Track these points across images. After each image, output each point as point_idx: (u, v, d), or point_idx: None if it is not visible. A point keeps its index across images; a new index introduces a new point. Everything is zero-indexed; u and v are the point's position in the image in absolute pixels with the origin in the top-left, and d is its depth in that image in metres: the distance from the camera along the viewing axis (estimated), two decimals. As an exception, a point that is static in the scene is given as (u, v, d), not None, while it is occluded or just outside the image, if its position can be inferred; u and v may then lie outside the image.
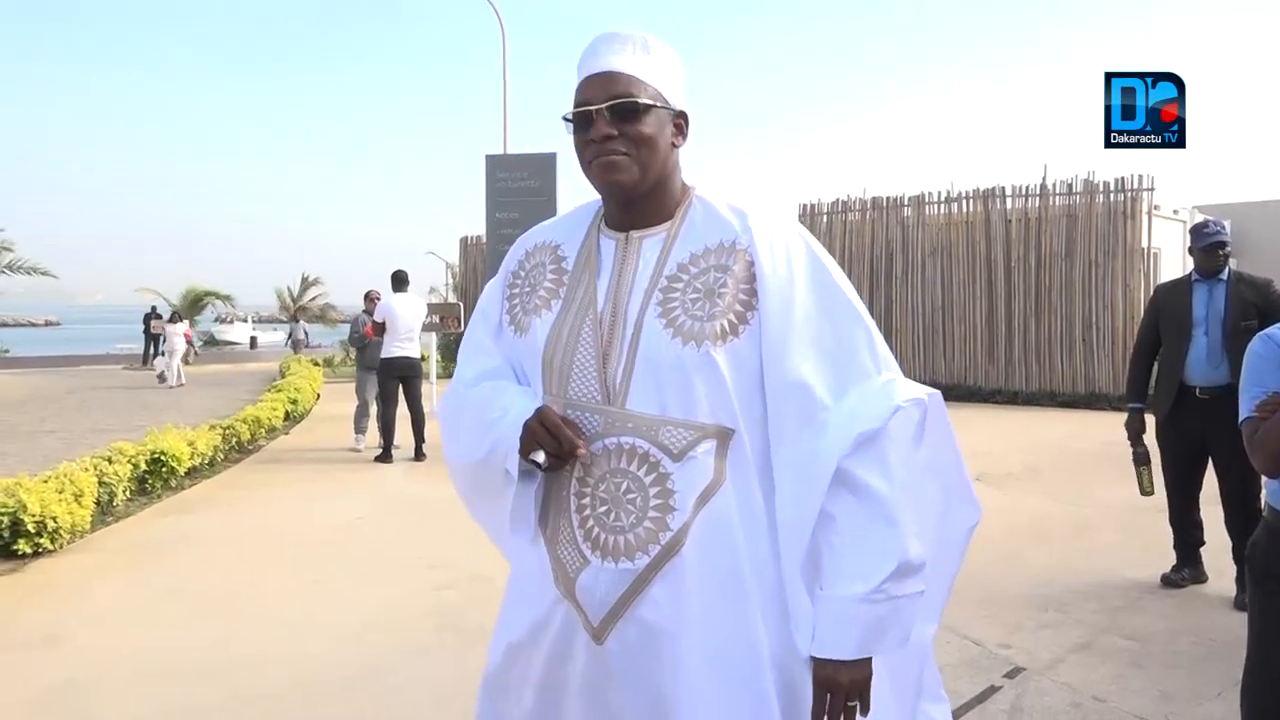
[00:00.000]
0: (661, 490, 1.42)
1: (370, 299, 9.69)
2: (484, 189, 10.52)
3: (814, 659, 1.39)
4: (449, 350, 15.64)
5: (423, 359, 10.33)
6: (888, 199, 14.87)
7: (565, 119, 1.49)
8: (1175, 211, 18.35)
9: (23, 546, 5.34)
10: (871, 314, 1.50)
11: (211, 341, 36.75)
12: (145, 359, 24.52)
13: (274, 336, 41.46)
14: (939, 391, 1.53)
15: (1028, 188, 13.57)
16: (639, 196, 1.49)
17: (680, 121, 1.52)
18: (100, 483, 6.33)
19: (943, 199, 14.33)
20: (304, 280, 38.10)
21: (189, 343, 22.76)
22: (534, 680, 1.50)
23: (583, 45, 1.53)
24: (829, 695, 1.37)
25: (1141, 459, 4.62)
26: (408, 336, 8.87)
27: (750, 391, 1.43)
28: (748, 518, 1.42)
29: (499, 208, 10.41)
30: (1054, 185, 13.33)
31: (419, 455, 8.83)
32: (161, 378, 18.90)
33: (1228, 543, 4.40)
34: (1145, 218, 12.75)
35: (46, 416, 12.90)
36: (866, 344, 1.47)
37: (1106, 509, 6.35)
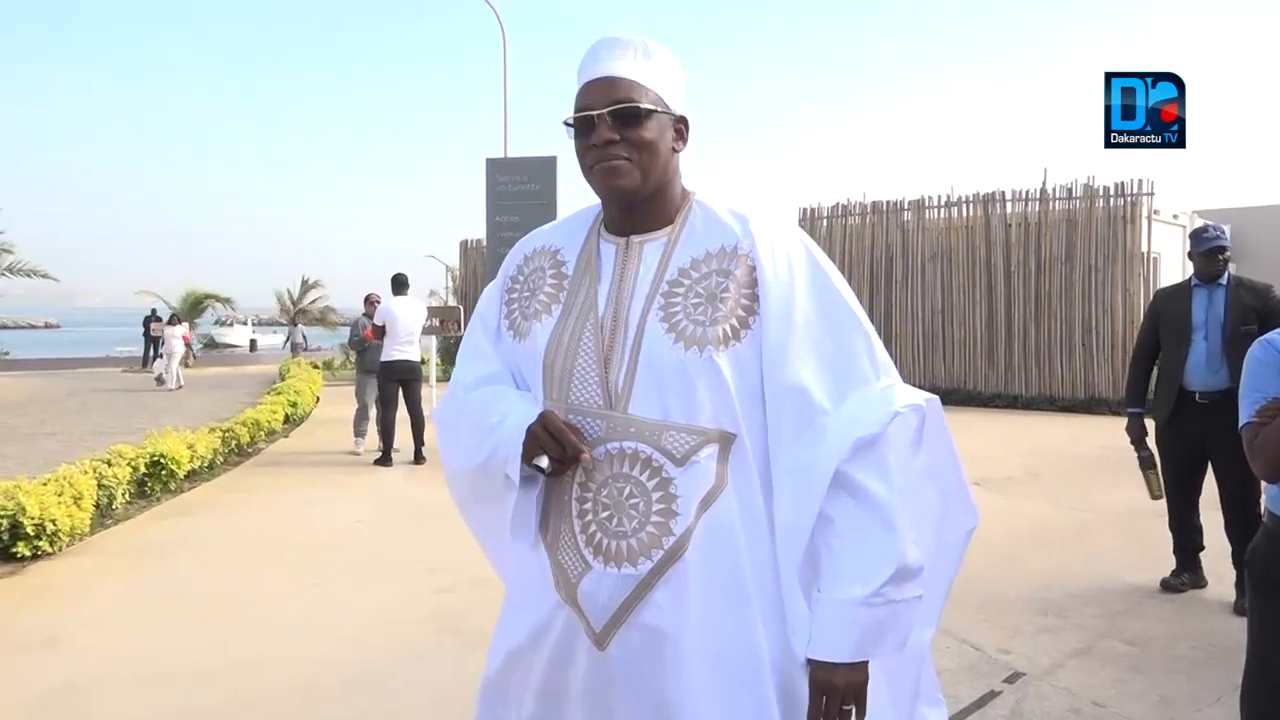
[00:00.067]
0: (664, 495, 1.42)
1: (370, 302, 9.69)
2: (484, 192, 10.53)
3: (811, 661, 1.39)
4: (449, 354, 15.63)
5: (422, 362, 10.33)
6: (887, 203, 14.88)
7: (566, 124, 1.50)
8: (1175, 216, 18.38)
9: (22, 549, 5.34)
10: (871, 318, 1.51)
11: (211, 344, 36.74)
12: (145, 361, 24.52)
13: (274, 339, 41.49)
14: (937, 397, 1.53)
15: (1028, 192, 13.58)
16: (640, 201, 1.49)
17: (681, 126, 1.53)
18: (100, 486, 6.33)
19: (943, 203, 14.34)
20: (304, 283, 38.09)
21: (187, 345, 22.77)
22: (534, 686, 1.50)
23: (583, 49, 1.53)
24: (825, 698, 1.38)
25: (1148, 463, 4.62)
26: (408, 340, 8.87)
27: (752, 396, 1.44)
28: (749, 522, 1.43)
29: (499, 211, 10.42)
30: (1054, 190, 13.35)
31: (418, 459, 8.82)
32: (160, 380, 18.89)
33: (1227, 548, 4.39)
34: (1145, 222, 12.77)
35: (46, 419, 12.90)
36: (866, 350, 1.48)
37: (1106, 513, 6.34)
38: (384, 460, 8.81)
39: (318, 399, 14.61)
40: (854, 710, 1.38)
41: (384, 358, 8.84)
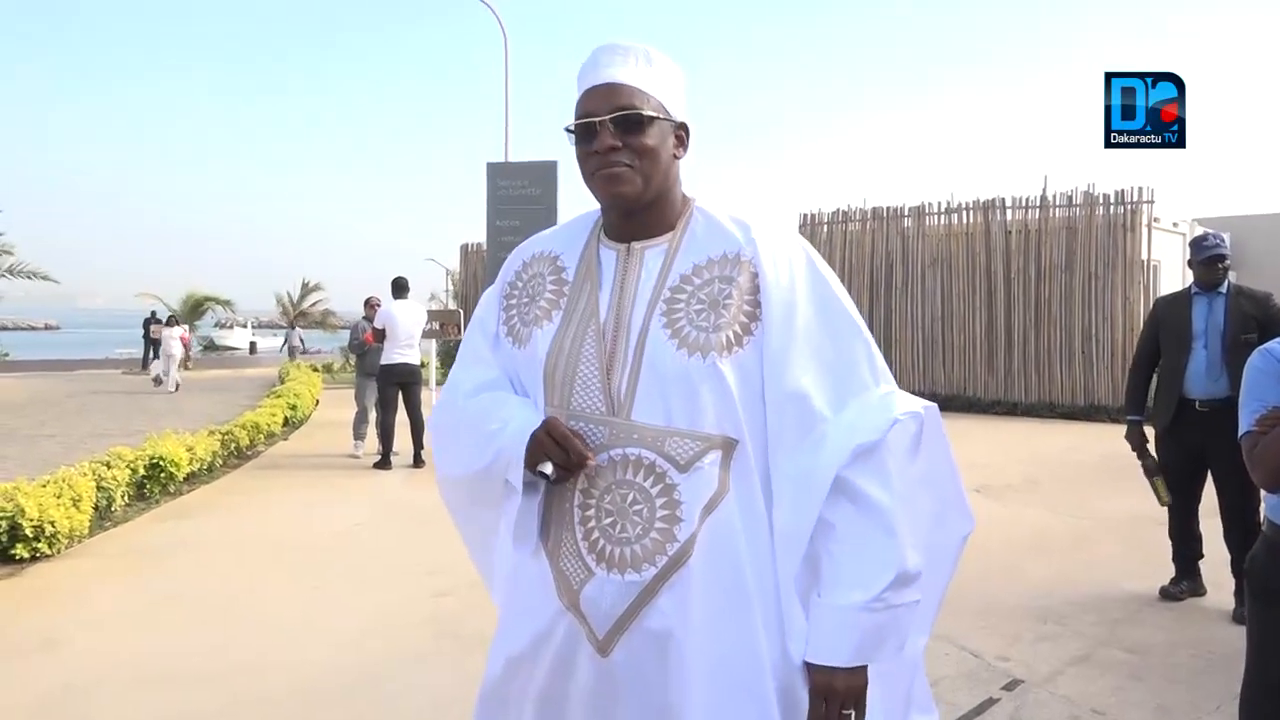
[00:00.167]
0: (668, 501, 1.42)
1: (370, 305, 9.70)
2: (485, 196, 10.54)
3: (811, 666, 1.40)
4: (449, 357, 15.64)
5: (422, 366, 10.33)
6: (888, 209, 14.89)
7: (568, 130, 1.50)
8: (1175, 224, 18.40)
9: (21, 551, 5.34)
10: (871, 324, 1.52)
11: (211, 346, 36.75)
12: (145, 363, 24.53)
13: (274, 342, 41.49)
14: (935, 405, 1.54)
15: (1028, 199, 13.60)
16: (641, 208, 1.49)
17: (681, 133, 1.53)
18: (99, 488, 6.33)
19: (943, 210, 14.36)
20: (304, 286, 38.11)
21: (185, 347, 22.77)
22: (534, 694, 1.50)
23: (584, 55, 1.54)
24: (825, 702, 1.38)
25: (1153, 470, 4.58)
26: (408, 343, 8.88)
27: (754, 402, 1.44)
28: (751, 527, 1.43)
29: (500, 215, 10.43)
30: (1054, 197, 13.36)
31: (418, 462, 8.82)
32: (157, 381, 18.90)
33: (1226, 556, 4.40)
34: (1145, 230, 12.78)
35: (46, 420, 12.90)
36: (866, 357, 1.49)
37: (1105, 521, 6.34)
38: (383, 463, 8.82)
39: (317, 402, 14.61)
40: (854, 714, 1.39)
41: (384, 361, 8.85)
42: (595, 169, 1.46)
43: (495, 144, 17.82)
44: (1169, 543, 4.69)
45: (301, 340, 28.83)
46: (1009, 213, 13.74)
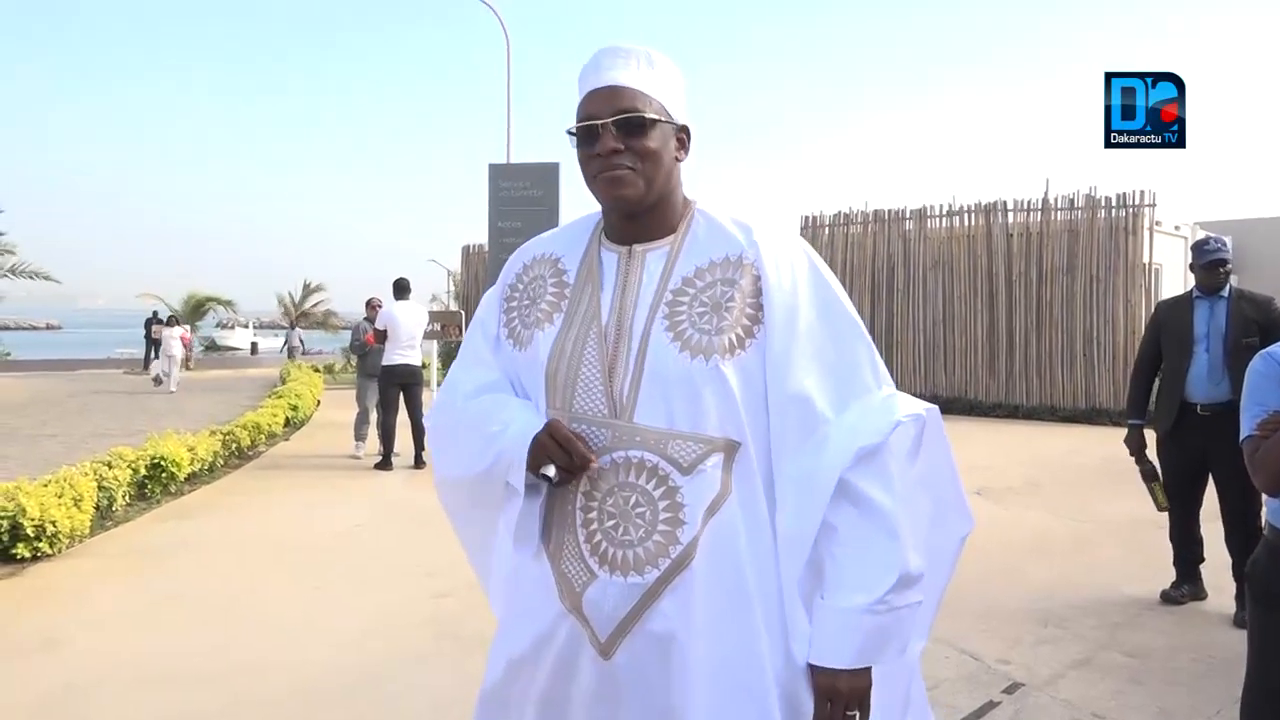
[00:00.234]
0: (671, 504, 1.42)
1: (372, 306, 9.71)
2: (487, 197, 10.55)
3: (815, 668, 1.40)
4: (450, 358, 15.63)
5: (423, 367, 10.34)
6: (889, 212, 14.89)
7: (569, 133, 1.50)
8: (1177, 228, 18.40)
9: (22, 551, 5.34)
10: (872, 327, 1.52)
11: (213, 347, 36.74)
12: (146, 364, 24.55)
13: (275, 342, 41.53)
14: (936, 407, 1.55)
15: (1029, 202, 13.60)
16: (643, 210, 1.50)
17: (683, 136, 1.53)
18: (100, 487, 6.33)
19: (944, 212, 14.35)
20: (306, 286, 38.14)
21: (186, 347, 22.79)
22: (535, 697, 1.50)
23: (585, 56, 1.54)
24: (830, 703, 1.39)
25: (1151, 475, 4.61)
26: (409, 344, 8.88)
27: (757, 405, 1.44)
28: (752, 529, 1.43)
29: (501, 216, 10.44)
30: (1056, 200, 13.35)
31: (419, 463, 8.82)
32: (157, 380, 18.91)
33: (1227, 560, 4.39)
34: (1147, 234, 12.78)
35: (47, 420, 12.91)
36: (868, 360, 1.50)
37: (1107, 524, 6.34)
38: (384, 464, 8.82)
39: (318, 402, 14.61)
40: (858, 715, 1.40)
41: (385, 362, 8.85)
42: (597, 172, 1.46)
43: (497, 145, 17.84)
44: (1170, 546, 4.69)
45: (301, 341, 28.83)
46: (1010, 215, 13.73)
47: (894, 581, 1.38)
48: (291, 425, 11.85)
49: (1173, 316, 4.62)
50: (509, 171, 10.96)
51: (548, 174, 10.42)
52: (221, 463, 8.69)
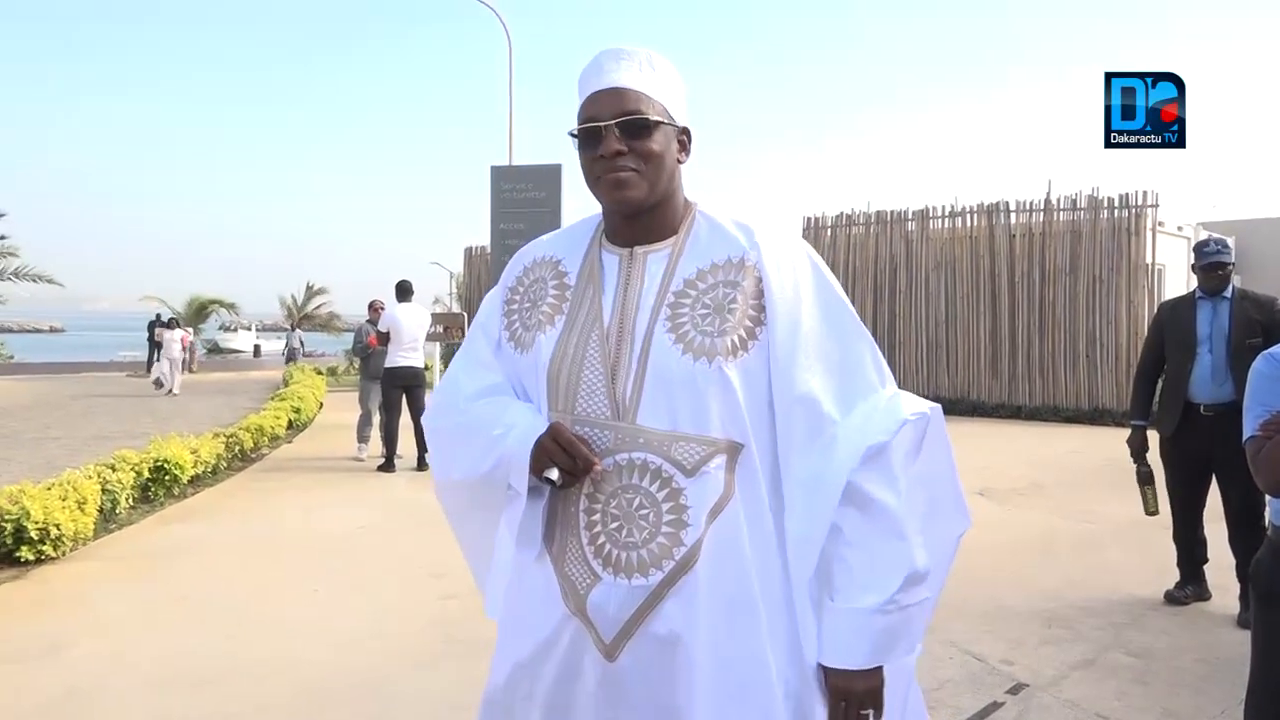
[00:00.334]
0: (675, 506, 1.42)
1: (374, 308, 9.72)
2: (489, 200, 10.56)
3: (828, 669, 1.41)
4: (452, 360, 15.67)
5: (426, 369, 10.35)
6: (892, 213, 14.89)
7: (572, 135, 1.50)
8: (1180, 228, 18.38)
9: (26, 554, 5.35)
10: (875, 328, 1.53)
11: (215, 349, 36.77)
12: (149, 366, 24.57)
13: (278, 345, 41.54)
14: (939, 405, 1.55)
15: (1032, 203, 13.60)
16: (645, 212, 1.50)
17: (684, 138, 1.54)
18: (103, 490, 6.34)
19: (947, 213, 14.36)
20: (309, 289, 38.16)
21: (186, 349, 22.80)
22: (540, 699, 1.50)
23: (587, 59, 1.53)
24: (845, 704, 1.40)
25: (1145, 478, 4.61)
26: (411, 346, 8.89)
27: (760, 406, 1.44)
28: (755, 530, 1.43)
29: (504, 218, 10.45)
30: (1058, 200, 13.36)
31: (422, 465, 8.82)
32: (158, 383, 18.94)
33: (1231, 560, 4.39)
34: (1149, 234, 12.77)
35: (51, 423, 12.93)
36: (872, 359, 1.50)
37: (1110, 525, 6.34)
38: (387, 466, 8.83)
39: (321, 405, 14.62)
40: (872, 714, 1.41)
41: (388, 364, 8.87)
42: (600, 174, 1.46)
43: (499, 147, 17.87)
44: (1174, 547, 4.69)
45: (301, 342, 28.83)
46: (1013, 216, 13.74)
47: (903, 580, 1.39)
48: (294, 428, 11.86)
49: (1175, 317, 4.61)
50: (511, 174, 10.98)
51: (550, 176, 10.43)
52: (225, 465, 8.71)
